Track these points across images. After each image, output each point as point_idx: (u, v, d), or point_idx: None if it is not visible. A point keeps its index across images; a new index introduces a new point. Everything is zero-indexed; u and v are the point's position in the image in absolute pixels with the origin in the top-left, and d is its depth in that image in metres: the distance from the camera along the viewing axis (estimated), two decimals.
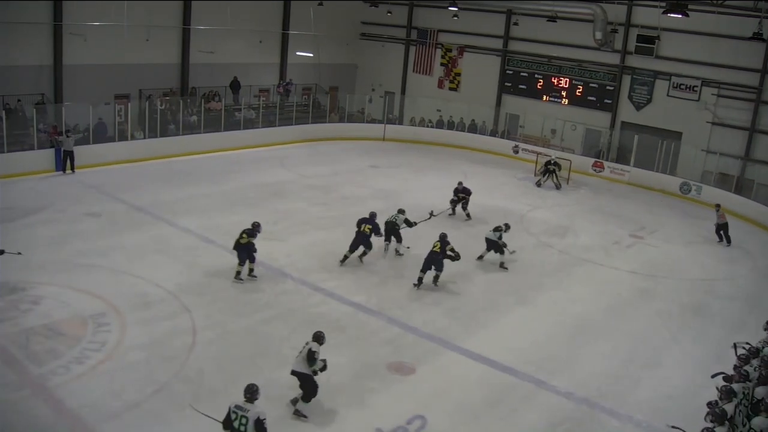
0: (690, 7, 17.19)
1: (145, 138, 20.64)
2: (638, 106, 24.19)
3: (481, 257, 13.94)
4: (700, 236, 17.48)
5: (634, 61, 23.90)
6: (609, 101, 24.83)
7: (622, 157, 23.81)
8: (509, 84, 27.55)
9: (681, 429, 7.52)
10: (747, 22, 19.93)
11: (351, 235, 14.73)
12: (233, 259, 12.80)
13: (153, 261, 12.35)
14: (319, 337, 8.25)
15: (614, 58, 24.38)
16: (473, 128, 27.11)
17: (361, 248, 13.06)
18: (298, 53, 27.20)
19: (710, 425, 7.01)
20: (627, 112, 24.51)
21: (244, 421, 6.47)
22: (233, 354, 9.34)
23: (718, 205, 17.31)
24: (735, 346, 9.32)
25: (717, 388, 8.03)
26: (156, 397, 8.14)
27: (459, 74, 28.95)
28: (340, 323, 10.57)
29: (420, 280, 12.19)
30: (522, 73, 27.13)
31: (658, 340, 11.11)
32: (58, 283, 11.01)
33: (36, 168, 17.50)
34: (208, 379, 8.66)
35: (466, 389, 8.98)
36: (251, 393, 6.62)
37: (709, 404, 7.64)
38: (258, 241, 13.79)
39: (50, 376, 8.38)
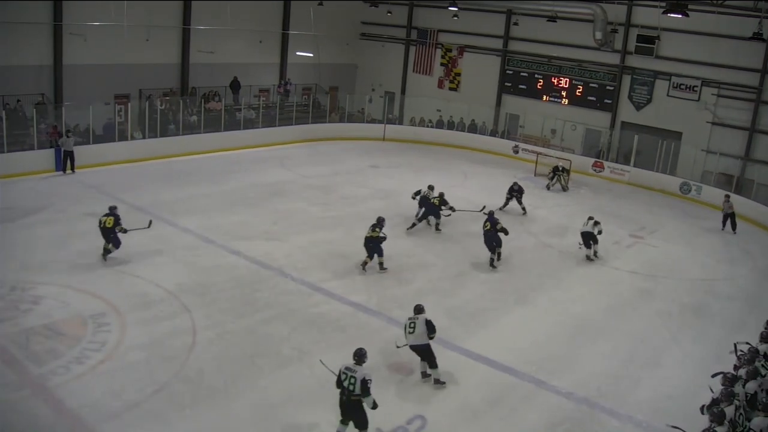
0: (690, 7, 17.20)
1: (144, 138, 20.64)
2: (638, 106, 24.19)
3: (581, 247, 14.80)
4: (700, 236, 17.48)
5: (634, 61, 23.90)
6: (609, 101, 24.84)
7: (622, 157, 23.83)
8: (509, 84, 27.55)
9: (681, 429, 7.52)
10: (747, 22, 19.94)
11: (350, 234, 14.81)
12: (233, 258, 12.84)
13: (153, 261, 12.34)
14: (422, 309, 9.06)
15: (614, 58, 24.39)
16: (473, 128, 27.12)
17: (432, 218, 15.38)
18: (298, 53, 27.20)
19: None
20: (627, 112, 24.52)
21: (352, 380, 7.28)
22: (233, 354, 9.34)
23: (727, 195, 18.22)
24: (735, 346, 9.33)
25: (711, 389, 8.04)
26: (156, 397, 8.14)
27: (459, 74, 28.96)
28: (340, 323, 10.57)
29: (492, 259, 13.63)
30: (522, 73, 27.13)
31: (658, 340, 11.10)
32: (58, 283, 11.02)
33: (36, 168, 17.49)
34: (208, 379, 8.66)
35: (466, 389, 8.98)
36: (360, 356, 7.45)
37: (702, 409, 7.64)
38: (258, 241, 13.88)
39: (50, 376, 8.38)
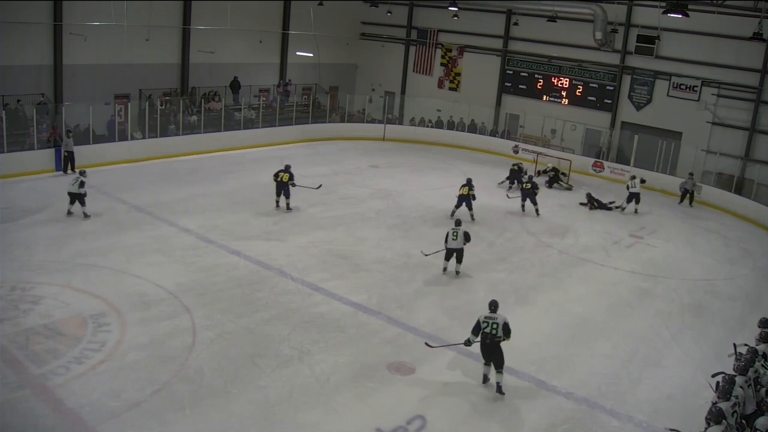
0: (690, 7, 17.21)
1: (144, 138, 20.64)
2: (638, 106, 24.20)
3: (623, 209, 18.69)
4: (700, 236, 17.49)
5: (634, 61, 23.90)
6: (609, 101, 24.84)
7: (622, 157, 23.84)
8: (509, 84, 27.56)
9: (677, 431, 7.52)
10: (747, 22, 19.94)
11: (350, 234, 14.85)
12: (233, 258, 12.86)
13: (153, 261, 12.34)
14: (461, 222, 13.26)
15: (614, 58, 24.39)
16: (473, 128, 27.12)
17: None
18: (298, 53, 27.21)
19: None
20: (627, 112, 24.52)
21: (494, 326, 8.78)
22: (233, 354, 9.34)
23: (691, 174, 20.44)
24: (735, 348, 9.32)
25: (711, 387, 8.03)
26: (156, 397, 8.14)
27: (459, 74, 28.96)
28: (340, 323, 10.57)
29: (513, 198, 18.17)
30: (522, 73, 27.13)
31: (658, 340, 11.10)
32: (58, 283, 11.01)
33: (36, 168, 17.49)
34: (208, 379, 8.66)
35: (466, 389, 8.98)
36: (495, 306, 9.04)
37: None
38: (258, 241, 13.89)
39: (50, 376, 8.38)
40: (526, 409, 8.69)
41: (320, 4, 25.36)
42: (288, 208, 16.07)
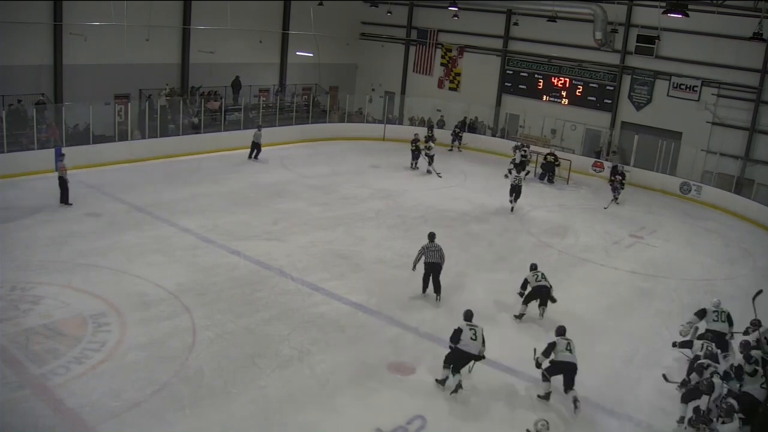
0: (690, 7, 17.18)
1: (144, 138, 20.63)
2: (638, 106, 24.20)
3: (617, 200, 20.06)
4: (700, 236, 17.49)
5: (634, 61, 23.91)
6: (609, 101, 24.84)
7: (622, 157, 23.83)
8: (509, 84, 27.56)
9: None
10: (747, 22, 19.94)
11: (350, 234, 14.84)
12: (233, 258, 12.86)
13: (153, 261, 12.34)
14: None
15: (614, 58, 24.39)
16: (473, 128, 27.12)
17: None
18: (298, 53, 27.21)
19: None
20: (627, 112, 24.53)
21: (519, 180, 16.56)
22: (233, 354, 9.34)
23: (553, 153, 22.09)
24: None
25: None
26: (156, 397, 8.14)
27: (459, 74, 28.97)
28: (340, 323, 10.57)
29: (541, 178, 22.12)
30: (522, 73, 27.13)
31: (658, 340, 11.10)
32: (58, 283, 11.01)
33: (36, 168, 17.47)
34: (208, 379, 8.66)
35: (467, 389, 8.96)
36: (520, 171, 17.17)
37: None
38: (258, 241, 13.89)
39: (50, 376, 8.38)
40: (526, 409, 8.69)
41: (320, 4, 25.35)
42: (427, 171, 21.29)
